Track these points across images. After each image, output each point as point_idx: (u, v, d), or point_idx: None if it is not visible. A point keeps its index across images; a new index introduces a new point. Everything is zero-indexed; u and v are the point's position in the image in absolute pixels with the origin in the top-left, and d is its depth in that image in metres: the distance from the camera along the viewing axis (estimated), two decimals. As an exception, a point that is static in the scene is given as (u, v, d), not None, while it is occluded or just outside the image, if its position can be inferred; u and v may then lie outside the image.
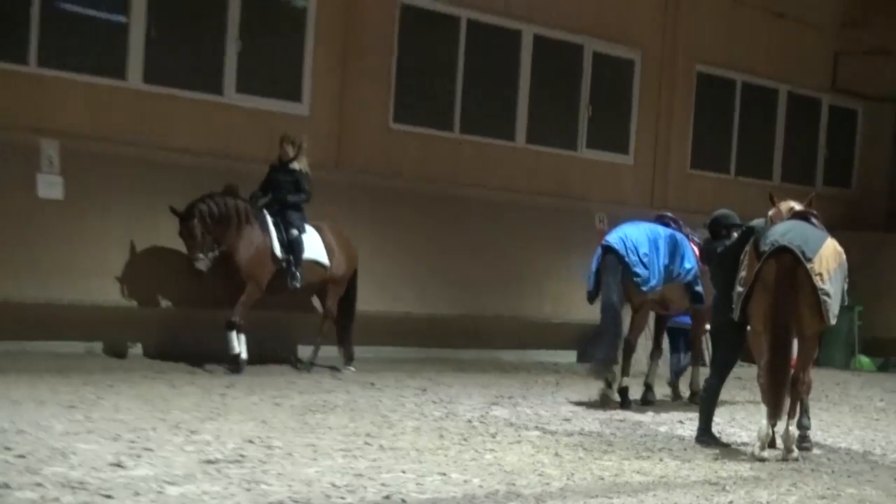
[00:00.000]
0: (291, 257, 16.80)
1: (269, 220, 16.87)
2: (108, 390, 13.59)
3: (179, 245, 16.44)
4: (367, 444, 11.07)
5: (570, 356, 21.42)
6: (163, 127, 17.57)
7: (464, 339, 20.25)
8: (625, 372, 15.57)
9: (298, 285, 16.98)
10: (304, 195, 17.02)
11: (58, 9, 16.90)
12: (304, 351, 17.68)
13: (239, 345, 16.24)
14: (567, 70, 22.21)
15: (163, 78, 17.65)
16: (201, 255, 16.12)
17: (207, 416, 12.07)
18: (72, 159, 16.59)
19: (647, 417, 14.52)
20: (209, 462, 9.62)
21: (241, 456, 9.95)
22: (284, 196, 16.94)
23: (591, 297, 15.84)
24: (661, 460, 11.43)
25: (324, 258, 17.29)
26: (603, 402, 15.19)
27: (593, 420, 13.99)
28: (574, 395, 16.17)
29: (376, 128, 19.79)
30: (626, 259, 15.25)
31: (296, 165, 16.97)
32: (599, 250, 15.65)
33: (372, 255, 19.18)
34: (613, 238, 15.55)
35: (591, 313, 22.12)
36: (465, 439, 11.78)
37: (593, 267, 15.74)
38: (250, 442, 10.68)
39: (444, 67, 20.64)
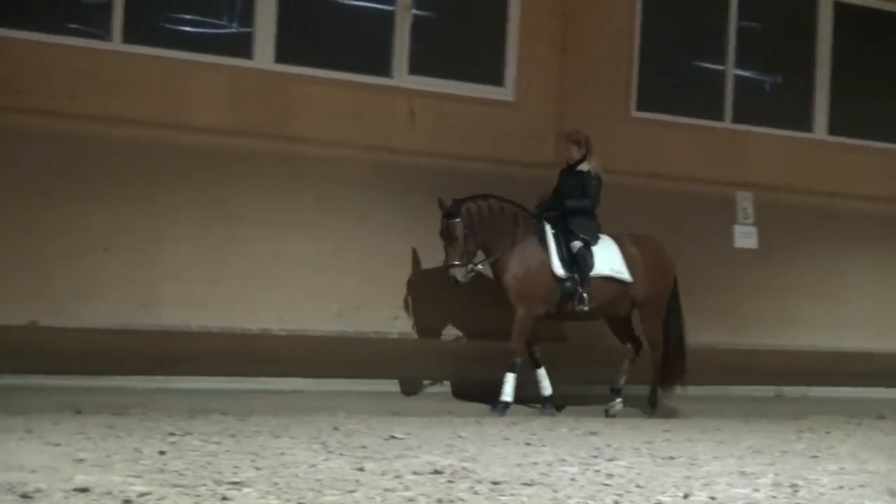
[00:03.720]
0: (576, 275, 12.80)
1: (549, 231, 12.84)
2: (827, 437, 12.15)
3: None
4: None
5: None
6: (845, 177, 16.17)
7: None
8: None
9: (586, 308, 12.69)
10: (588, 200, 12.88)
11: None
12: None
13: (542, 383, 12.77)
14: None
15: (847, 130, 16.23)
16: (458, 262, 12.32)
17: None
18: (764, 210, 15.49)
19: None
20: None
21: None
22: (566, 201, 12.97)
23: None
24: None
25: (623, 274, 13.00)
26: None
27: None
28: None
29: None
30: None
31: (584, 167, 12.94)
32: None
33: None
34: None
35: None
36: None
37: None
38: None
39: None
